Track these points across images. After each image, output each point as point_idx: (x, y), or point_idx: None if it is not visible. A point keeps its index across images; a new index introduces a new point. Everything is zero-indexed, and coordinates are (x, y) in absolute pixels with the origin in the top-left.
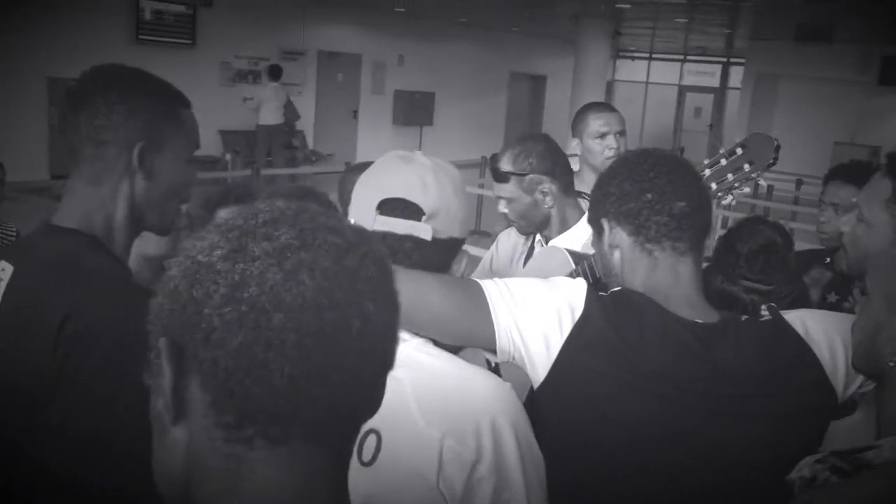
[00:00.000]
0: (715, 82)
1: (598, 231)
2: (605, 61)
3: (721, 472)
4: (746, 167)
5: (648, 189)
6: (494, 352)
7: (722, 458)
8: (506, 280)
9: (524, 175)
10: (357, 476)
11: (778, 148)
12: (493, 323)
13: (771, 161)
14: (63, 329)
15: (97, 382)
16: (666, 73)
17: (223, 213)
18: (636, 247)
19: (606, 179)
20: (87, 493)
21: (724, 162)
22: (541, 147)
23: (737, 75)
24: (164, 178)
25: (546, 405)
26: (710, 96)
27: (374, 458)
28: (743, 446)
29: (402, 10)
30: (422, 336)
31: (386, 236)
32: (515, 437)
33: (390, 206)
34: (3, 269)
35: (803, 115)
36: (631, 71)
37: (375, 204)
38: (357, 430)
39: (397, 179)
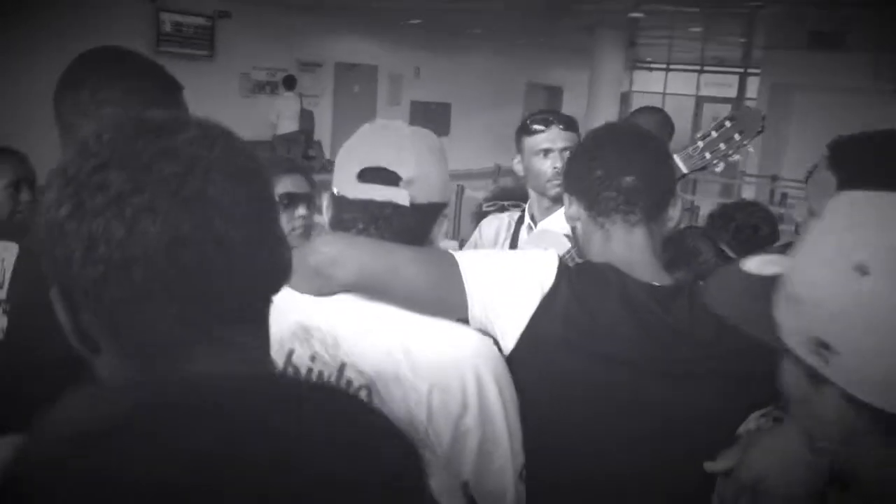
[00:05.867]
0: (732, 93)
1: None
2: (619, 72)
3: (682, 433)
4: (737, 136)
5: (598, 166)
6: (467, 321)
7: (682, 418)
8: (480, 252)
9: None
10: None
11: (764, 118)
12: (465, 294)
13: (759, 129)
14: None
15: None
16: (683, 83)
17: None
18: (590, 220)
19: (570, 156)
20: None
21: (715, 133)
22: None
23: (754, 86)
24: None
25: (515, 373)
26: (728, 107)
27: None
28: (701, 405)
29: (418, 21)
30: None
31: (367, 203)
32: (498, 390)
33: (370, 174)
34: (5, 248)
35: (819, 125)
36: (647, 82)
37: (356, 172)
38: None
39: (376, 148)
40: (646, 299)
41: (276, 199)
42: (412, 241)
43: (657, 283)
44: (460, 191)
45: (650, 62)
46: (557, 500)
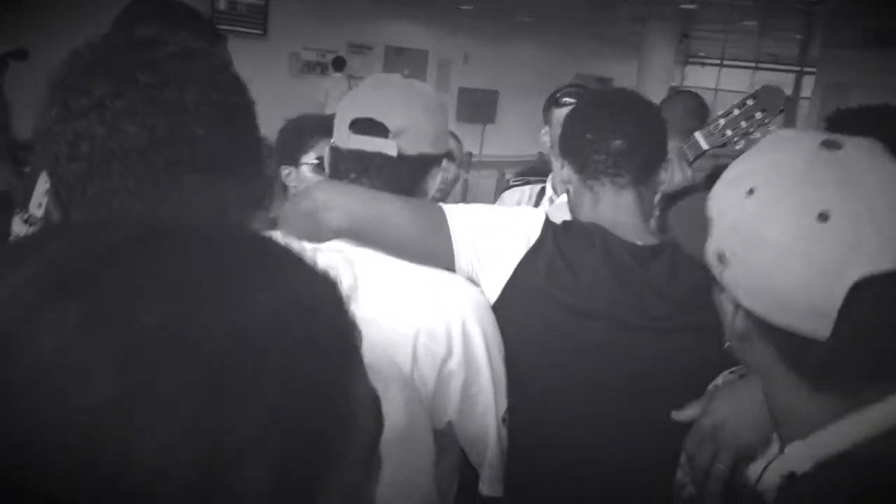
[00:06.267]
0: (787, 91)
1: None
2: (670, 65)
3: (657, 386)
4: (758, 115)
5: (588, 129)
6: (454, 270)
7: (658, 372)
8: (469, 206)
9: None
10: None
11: (788, 98)
12: (452, 244)
13: (781, 108)
14: None
15: None
16: (736, 80)
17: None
18: (581, 183)
19: (565, 120)
20: None
21: (737, 111)
22: None
23: (810, 85)
24: None
25: (499, 323)
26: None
27: None
28: (676, 359)
29: (469, 7)
30: None
31: (358, 154)
32: (483, 336)
33: (361, 126)
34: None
35: None
36: (700, 77)
37: (348, 123)
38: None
39: (368, 100)
40: (626, 257)
41: (303, 154)
42: (402, 191)
43: (640, 243)
44: (501, 177)
45: (703, 57)
46: (536, 446)
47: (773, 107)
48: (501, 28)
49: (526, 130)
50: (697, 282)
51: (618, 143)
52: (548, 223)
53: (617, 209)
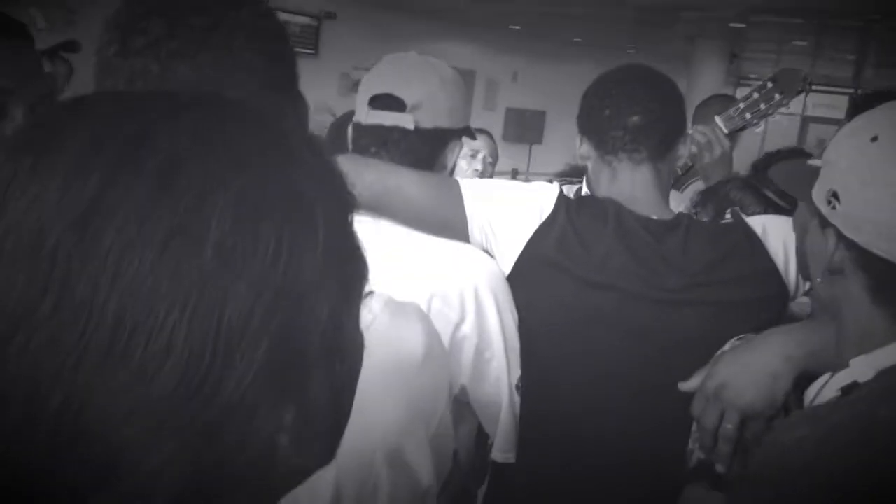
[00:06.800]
0: (840, 114)
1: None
2: (719, 85)
3: (668, 357)
4: (777, 97)
5: (607, 105)
6: (468, 242)
7: (669, 343)
8: (484, 180)
9: None
10: None
11: (806, 78)
12: (465, 216)
13: (799, 89)
14: None
15: None
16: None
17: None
18: (599, 159)
19: (583, 97)
20: None
21: (756, 95)
22: None
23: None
24: None
25: (513, 294)
26: (834, 128)
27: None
28: (687, 332)
29: (518, 27)
30: None
31: (377, 128)
32: (496, 303)
33: (380, 101)
34: None
35: None
36: None
37: (367, 99)
38: None
39: (385, 76)
40: (640, 230)
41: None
42: (420, 164)
43: (656, 217)
44: None
45: (755, 78)
46: (548, 415)
47: (790, 88)
48: (550, 48)
49: (573, 150)
50: (713, 256)
51: (635, 118)
52: (562, 197)
53: (634, 184)
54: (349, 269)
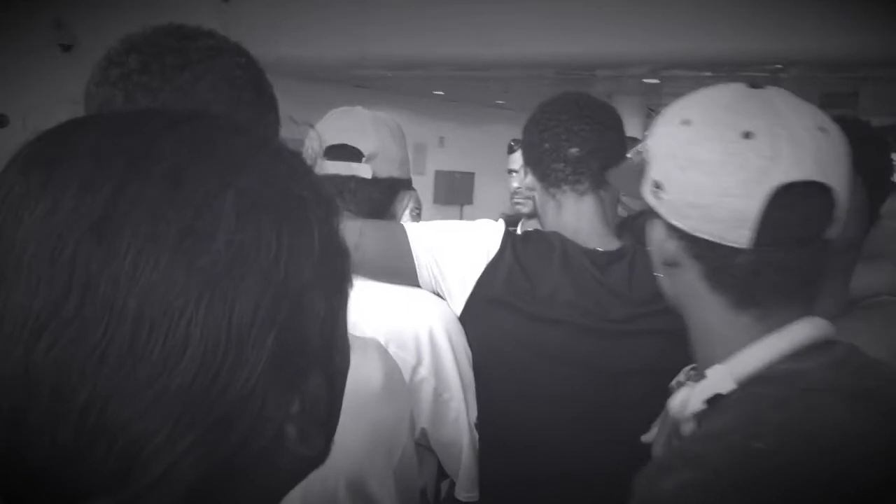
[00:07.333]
0: None
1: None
2: (639, 139)
3: (618, 386)
4: None
5: (546, 139)
6: (418, 286)
7: (618, 373)
8: (430, 223)
9: None
10: None
11: None
12: (413, 261)
13: None
14: None
15: None
16: None
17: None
18: (543, 191)
19: (524, 130)
20: None
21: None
22: None
23: None
24: None
25: (466, 333)
26: None
27: None
28: (636, 361)
29: (441, 93)
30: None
31: (332, 178)
32: (450, 343)
33: (335, 152)
34: None
35: None
36: None
37: (322, 151)
38: None
39: (339, 128)
40: (586, 263)
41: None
42: (375, 212)
43: (601, 249)
44: None
45: None
46: (506, 452)
47: None
48: (475, 112)
49: (504, 207)
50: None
51: (574, 150)
52: (507, 234)
53: (579, 216)
54: (340, 266)
